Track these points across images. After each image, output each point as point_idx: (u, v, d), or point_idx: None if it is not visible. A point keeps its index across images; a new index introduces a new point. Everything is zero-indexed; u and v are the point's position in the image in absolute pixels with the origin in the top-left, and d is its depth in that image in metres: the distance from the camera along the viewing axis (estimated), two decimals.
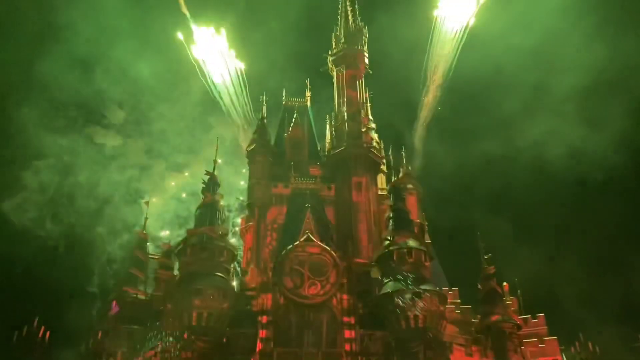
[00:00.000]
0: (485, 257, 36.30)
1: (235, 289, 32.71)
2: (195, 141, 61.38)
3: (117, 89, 62.96)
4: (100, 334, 33.03)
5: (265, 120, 44.60)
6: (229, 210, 33.58)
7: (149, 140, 61.51)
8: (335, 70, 47.68)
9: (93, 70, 64.30)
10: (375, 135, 45.95)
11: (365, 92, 47.04)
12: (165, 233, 45.69)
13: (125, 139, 60.74)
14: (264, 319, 29.07)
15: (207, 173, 34.40)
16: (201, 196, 34.04)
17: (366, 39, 48.43)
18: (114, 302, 34.51)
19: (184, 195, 54.57)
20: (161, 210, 50.55)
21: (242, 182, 45.65)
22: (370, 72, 47.91)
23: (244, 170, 44.75)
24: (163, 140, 61.27)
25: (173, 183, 56.23)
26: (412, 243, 32.58)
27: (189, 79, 62.45)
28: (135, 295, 34.92)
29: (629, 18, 61.47)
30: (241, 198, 43.82)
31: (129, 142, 61.08)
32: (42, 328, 28.13)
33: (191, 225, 33.71)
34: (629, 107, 60.23)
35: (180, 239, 34.45)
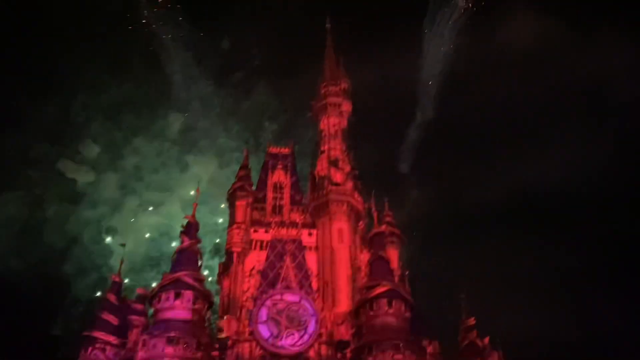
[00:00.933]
0: (466, 309, 35.96)
1: (210, 338, 31.71)
2: (170, 179, 60.43)
3: (94, 124, 62.02)
4: None
5: (248, 164, 44.78)
6: (203, 252, 32.78)
7: (122, 176, 60.24)
8: (319, 117, 48.39)
9: (69, 105, 63.55)
10: (358, 182, 46.13)
11: (349, 139, 47.64)
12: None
13: (98, 175, 59.38)
14: None
15: (187, 217, 33.94)
16: (175, 237, 33.54)
17: (351, 87, 49.54)
18: (85, 349, 33.28)
19: (156, 235, 53.25)
20: (132, 250, 49.25)
21: (220, 220, 44.90)
22: (354, 120, 48.78)
23: (222, 205, 43.99)
24: (137, 177, 60.08)
25: (146, 222, 55.12)
26: (392, 293, 32.12)
27: (168, 115, 62.47)
28: (106, 341, 33.68)
29: None
30: (217, 240, 43.23)
31: (102, 178, 59.63)
32: None
33: (163, 267, 33.07)
34: None
35: (151, 281, 33.70)
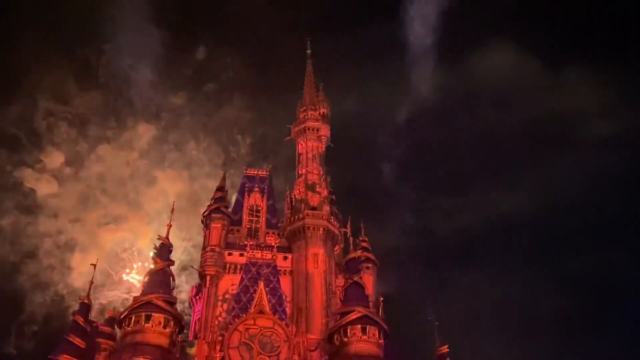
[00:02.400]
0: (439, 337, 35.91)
1: None
2: (137, 193, 58.11)
3: (57, 132, 59.17)
4: None
5: (224, 186, 44.54)
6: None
7: (85, 187, 57.47)
8: (297, 141, 48.66)
9: (31, 111, 60.72)
10: (334, 207, 46.23)
11: (326, 164, 47.95)
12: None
13: (60, 185, 56.51)
14: None
15: (160, 238, 33.39)
16: (139, 254, 32.85)
17: (329, 113, 50.11)
18: None
19: (119, 250, 50.93)
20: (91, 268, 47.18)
21: (188, 243, 43.89)
22: (332, 145, 49.24)
23: (191, 221, 42.92)
24: (102, 189, 57.58)
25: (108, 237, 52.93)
26: (366, 319, 31.93)
27: (136, 126, 60.70)
28: None
29: None
30: (194, 266, 42.20)
31: (64, 188, 56.73)
32: None
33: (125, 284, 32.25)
34: None
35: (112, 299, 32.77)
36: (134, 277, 49.88)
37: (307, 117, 49.00)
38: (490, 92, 73.43)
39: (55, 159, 58.42)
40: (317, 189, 45.01)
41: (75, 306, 36.29)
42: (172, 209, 36.15)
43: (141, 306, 29.67)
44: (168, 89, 68.72)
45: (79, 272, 45.36)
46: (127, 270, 49.26)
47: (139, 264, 51.84)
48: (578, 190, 67.25)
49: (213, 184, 55.01)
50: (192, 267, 41.36)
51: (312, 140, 47.97)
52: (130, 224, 54.70)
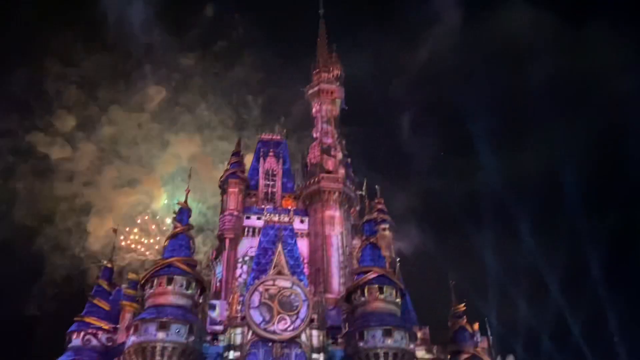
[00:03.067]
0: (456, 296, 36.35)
1: (203, 323, 31.85)
2: (150, 156, 57.64)
3: (67, 96, 57.91)
4: None
5: (240, 151, 44.75)
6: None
7: (98, 150, 56.61)
8: (312, 104, 48.41)
9: (41, 75, 59.00)
10: (349, 170, 46.27)
11: (341, 126, 47.76)
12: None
13: (73, 149, 55.71)
14: (231, 354, 28.27)
15: (180, 204, 33.87)
16: (152, 216, 33.10)
17: (343, 75, 49.54)
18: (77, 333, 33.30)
19: (134, 213, 50.85)
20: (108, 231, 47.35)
21: (202, 205, 43.95)
22: (346, 107, 48.85)
23: (204, 184, 42.67)
24: (114, 152, 56.85)
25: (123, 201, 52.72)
26: (383, 279, 32.38)
27: (147, 88, 59.57)
28: (98, 327, 33.71)
29: None
30: (213, 230, 42.71)
31: (77, 151, 55.95)
32: None
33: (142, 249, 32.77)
34: None
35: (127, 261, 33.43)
36: (149, 239, 50.27)
37: (320, 79, 48.53)
38: (509, 49, 71.72)
39: (66, 122, 57.54)
40: (332, 153, 45.00)
41: (94, 269, 37.11)
42: (189, 175, 36.41)
43: (163, 269, 30.35)
44: (177, 49, 67.44)
45: (96, 236, 45.91)
46: (143, 233, 49.60)
47: (154, 226, 52.20)
48: (598, 148, 66.22)
49: (225, 146, 55.02)
50: (211, 230, 41.96)
51: (326, 103, 47.67)
52: (144, 186, 54.46)
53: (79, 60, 63.32)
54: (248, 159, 45.79)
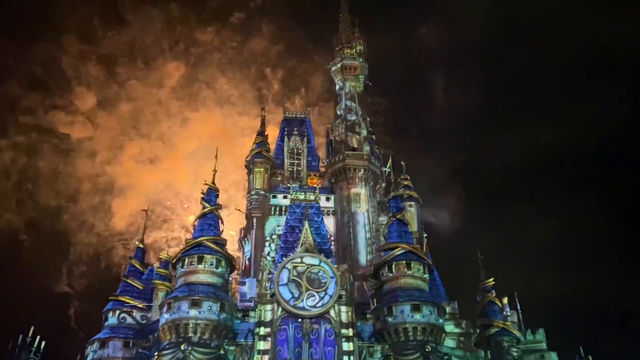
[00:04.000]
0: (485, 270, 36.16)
1: (233, 300, 32.51)
2: (171, 133, 57.46)
3: (87, 73, 57.60)
4: (96, 344, 32.84)
5: (265, 131, 44.97)
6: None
7: (118, 129, 56.14)
8: (335, 81, 48.13)
9: (60, 53, 58.27)
10: (374, 146, 46.13)
11: (365, 102, 47.44)
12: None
13: (94, 127, 55.39)
14: (261, 330, 28.83)
15: (207, 184, 34.31)
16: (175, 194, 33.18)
17: (366, 50, 48.98)
18: (113, 312, 34.38)
19: (157, 192, 50.70)
20: (134, 207, 47.86)
21: (225, 181, 43.30)
22: (370, 83, 48.41)
23: (233, 160, 42.10)
24: (135, 130, 56.40)
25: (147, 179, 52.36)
26: (410, 255, 32.43)
27: (166, 64, 59.12)
28: (133, 305, 34.74)
29: None
30: (240, 209, 42.96)
31: (97, 131, 55.58)
32: (38, 337, 27.83)
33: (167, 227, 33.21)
34: None
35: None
36: (173, 217, 50.41)
37: (343, 55, 48.06)
38: (537, 21, 69.65)
39: (86, 101, 57.48)
40: (357, 130, 44.84)
41: (119, 247, 37.87)
42: (216, 156, 36.61)
43: (193, 248, 30.97)
44: (195, 23, 66.70)
45: (120, 215, 46.35)
46: (167, 210, 49.74)
47: (177, 204, 52.25)
48: (630, 118, 64.19)
49: (246, 121, 55.02)
50: (238, 210, 42.45)
51: (349, 79, 47.29)
52: (165, 164, 54.42)
53: (96, 38, 63.29)
54: (270, 133, 45.83)
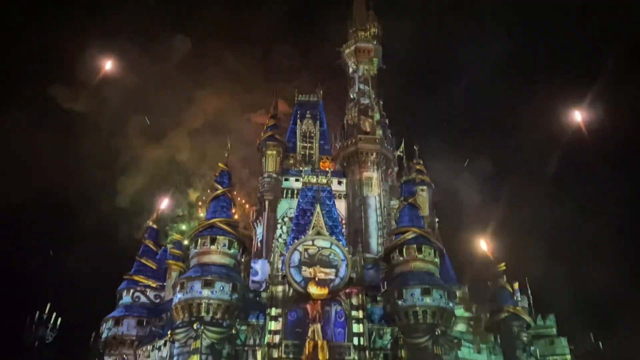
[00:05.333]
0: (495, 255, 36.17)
1: (245, 281, 32.91)
2: (176, 109, 56.33)
3: (89, 47, 56.35)
4: (110, 322, 33.50)
5: (277, 114, 44.99)
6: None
7: (121, 105, 54.40)
8: (348, 64, 47.78)
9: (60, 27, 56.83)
10: (387, 130, 45.93)
11: (379, 86, 47.03)
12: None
13: (97, 101, 53.88)
14: (272, 311, 29.19)
15: (221, 166, 34.52)
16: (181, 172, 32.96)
17: (381, 33, 48.47)
18: (127, 291, 35.01)
19: (161, 169, 49.83)
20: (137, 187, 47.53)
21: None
22: (384, 66, 47.98)
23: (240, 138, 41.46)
24: (139, 105, 54.97)
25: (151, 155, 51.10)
26: (421, 239, 32.49)
27: (173, 38, 57.87)
28: (146, 285, 35.34)
29: None
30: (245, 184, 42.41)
31: (100, 106, 54.08)
32: (54, 314, 28.44)
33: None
34: None
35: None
36: (179, 195, 49.40)
37: (357, 38, 47.52)
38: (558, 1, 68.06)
39: (89, 74, 55.97)
40: (370, 113, 44.61)
41: (124, 225, 38.23)
42: (229, 140, 36.48)
43: (206, 229, 31.33)
44: None
45: (125, 193, 46.13)
46: (173, 189, 48.67)
47: (182, 180, 51.39)
48: None
49: (253, 99, 54.57)
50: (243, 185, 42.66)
51: (363, 62, 46.89)
52: (170, 140, 53.30)
53: (99, 11, 61.89)
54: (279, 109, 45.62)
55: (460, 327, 33.41)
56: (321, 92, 48.40)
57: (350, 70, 47.38)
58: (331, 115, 48.17)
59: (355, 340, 28.57)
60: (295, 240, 31.41)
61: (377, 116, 44.74)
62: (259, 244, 40.47)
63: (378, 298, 32.01)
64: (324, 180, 35.83)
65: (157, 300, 35.10)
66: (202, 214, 40.43)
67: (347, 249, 31.23)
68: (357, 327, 29.01)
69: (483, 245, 37.86)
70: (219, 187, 33.28)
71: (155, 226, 38.76)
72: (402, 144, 44.71)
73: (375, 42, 47.67)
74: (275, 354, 27.93)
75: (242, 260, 32.67)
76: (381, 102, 46.53)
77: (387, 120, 46.37)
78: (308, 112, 46.19)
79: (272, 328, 28.71)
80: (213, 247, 30.77)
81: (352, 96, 46.20)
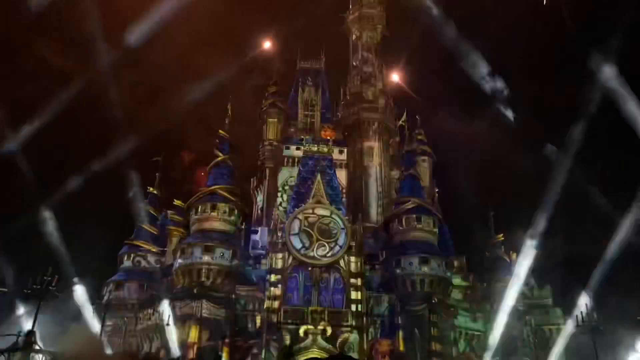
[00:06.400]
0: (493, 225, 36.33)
1: (246, 248, 33.17)
2: (169, 65, 54.91)
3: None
4: (111, 286, 33.90)
5: (278, 81, 44.46)
6: None
7: (113, 58, 52.83)
8: (351, 31, 46.92)
9: None
10: (390, 100, 45.41)
11: (382, 54, 46.35)
12: None
13: (88, 58, 52.61)
14: (272, 277, 29.53)
15: (221, 133, 34.32)
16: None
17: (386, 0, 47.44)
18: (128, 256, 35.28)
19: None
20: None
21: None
22: (387, 34, 47.10)
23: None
24: (132, 61, 53.53)
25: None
26: (421, 209, 32.61)
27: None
28: (147, 250, 35.62)
29: None
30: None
31: (91, 62, 52.79)
32: (56, 278, 28.65)
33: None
34: None
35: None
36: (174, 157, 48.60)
37: (361, 3, 46.45)
38: None
39: (77, 30, 53.64)
40: (372, 82, 44.10)
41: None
42: (229, 107, 36.04)
43: (206, 196, 31.43)
44: None
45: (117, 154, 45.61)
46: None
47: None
48: None
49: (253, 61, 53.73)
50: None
51: (366, 29, 46.02)
52: (163, 99, 52.30)
53: None
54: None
55: (457, 295, 33.84)
56: (324, 59, 47.79)
57: (354, 37, 46.59)
58: (333, 83, 47.62)
59: (353, 307, 29.01)
60: (296, 209, 31.53)
61: (380, 85, 44.25)
62: (259, 212, 40.66)
63: (376, 266, 32.32)
64: (325, 149, 35.72)
65: (158, 265, 35.41)
66: None
67: (346, 217, 31.40)
68: (355, 294, 29.41)
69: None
70: (220, 154, 33.21)
71: (156, 192, 38.83)
72: (405, 114, 44.36)
73: (379, 9, 46.63)
74: (274, 319, 28.40)
75: (243, 227, 32.80)
76: (385, 70, 45.91)
77: (389, 89, 45.83)
78: (310, 79, 45.67)
79: (272, 294, 29.09)
80: (213, 214, 30.94)
81: (354, 64, 45.58)
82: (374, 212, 39.42)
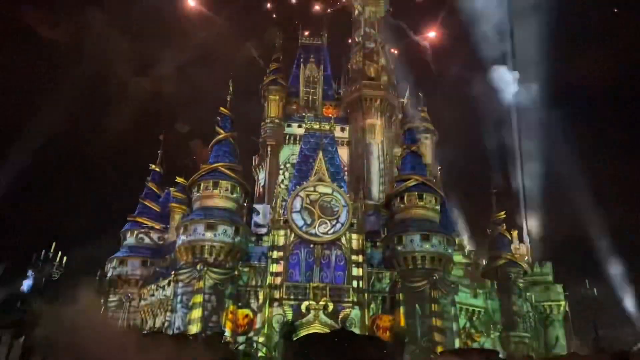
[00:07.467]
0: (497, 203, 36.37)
1: (248, 225, 33.28)
2: (163, 39, 53.99)
3: None
4: (115, 262, 34.21)
5: (280, 58, 44.01)
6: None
7: (106, 30, 51.59)
8: (354, 6, 46.28)
9: None
10: (392, 76, 45.04)
11: (385, 30, 45.73)
12: None
13: (80, 30, 50.95)
14: (274, 254, 29.71)
15: (222, 110, 34.13)
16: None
17: None
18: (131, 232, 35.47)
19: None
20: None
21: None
22: (390, 9, 46.46)
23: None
24: (125, 34, 52.28)
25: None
26: (423, 186, 32.59)
27: None
28: (150, 227, 35.83)
29: None
30: (254, 138, 42.39)
31: (84, 33, 51.45)
32: (60, 253, 28.93)
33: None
34: None
35: None
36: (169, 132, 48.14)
37: None
38: None
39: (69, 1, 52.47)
40: (375, 58, 43.64)
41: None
42: (230, 84, 35.74)
43: (208, 173, 31.37)
44: None
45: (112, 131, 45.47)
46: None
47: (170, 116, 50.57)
48: None
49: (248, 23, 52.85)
50: (253, 138, 42.34)
51: (369, 4, 45.33)
52: (158, 73, 51.29)
53: None
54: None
55: (458, 272, 34.06)
56: (326, 35, 47.22)
57: (356, 12, 45.94)
58: (335, 60, 47.12)
59: (355, 283, 29.26)
60: (297, 186, 31.55)
61: (382, 61, 43.83)
62: (261, 189, 40.70)
63: (378, 243, 32.47)
64: (327, 127, 35.57)
65: (161, 242, 35.70)
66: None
67: (348, 195, 31.44)
68: (356, 271, 29.63)
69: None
70: (221, 131, 33.09)
71: (158, 169, 38.87)
72: (407, 90, 44.04)
73: None
74: (276, 295, 28.69)
75: (245, 204, 32.87)
76: (387, 46, 45.42)
77: (392, 66, 45.42)
78: (312, 56, 45.20)
79: (274, 270, 29.34)
80: (216, 191, 30.93)
81: (357, 40, 45.05)
82: (376, 189, 39.42)
